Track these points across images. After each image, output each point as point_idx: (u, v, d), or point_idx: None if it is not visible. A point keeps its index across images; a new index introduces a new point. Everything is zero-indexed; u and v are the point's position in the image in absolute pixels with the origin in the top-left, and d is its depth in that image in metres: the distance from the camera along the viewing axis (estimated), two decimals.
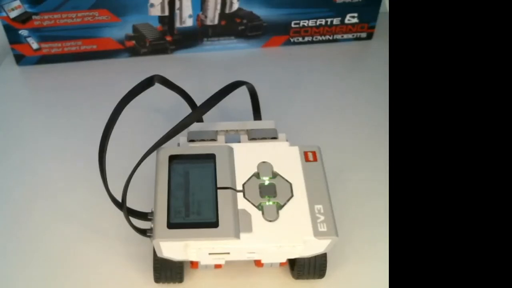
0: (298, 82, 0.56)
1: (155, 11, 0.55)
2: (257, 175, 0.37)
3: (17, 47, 0.56)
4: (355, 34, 0.60)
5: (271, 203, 0.35)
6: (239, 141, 0.39)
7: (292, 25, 0.58)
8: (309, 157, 0.38)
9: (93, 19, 0.54)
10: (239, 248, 0.34)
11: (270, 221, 0.35)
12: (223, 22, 0.57)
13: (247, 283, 0.40)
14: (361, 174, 0.47)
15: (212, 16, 0.56)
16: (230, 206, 0.35)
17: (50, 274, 0.41)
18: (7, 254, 0.42)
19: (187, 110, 0.45)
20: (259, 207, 0.35)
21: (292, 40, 0.60)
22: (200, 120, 0.43)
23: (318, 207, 0.35)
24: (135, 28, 0.56)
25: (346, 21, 0.59)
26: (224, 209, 0.34)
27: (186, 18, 0.56)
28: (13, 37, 0.55)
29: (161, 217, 0.34)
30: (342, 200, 0.44)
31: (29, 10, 0.53)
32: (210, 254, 0.35)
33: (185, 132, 0.38)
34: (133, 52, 0.58)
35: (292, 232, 0.34)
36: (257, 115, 0.45)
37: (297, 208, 0.35)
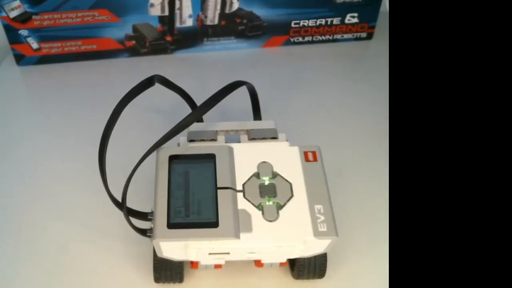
0: (298, 82, 0.56)
1: (155, 11, 0.55)
2: (257, 175, 0.37)
3: (17, 47, 0.56)
4: (355, 34, 0.60)
5: (271, 203, 0.35)
6: (239, 141, 0.39)
7: (292, 25, 0.58)
8: (309, 157, 0.38)
9: (93, 19, 0.54)
10: (239, 248, 0.34)
11: (270, 221, 0.35)
12: (223, 22, 0.57)
13: (247, 283, 0.40)
14: (361, 174, 0.47)
15: (212, 16, 0.56)
16: (230, 206, 0.35)
17: (50, 274, 0.41)
18: (7, 254, 0.42)
19: (187, 110, 0.45)
20: (259, 207, 0.35)
21: (292, 40, 0.60)
22: (200, 120, 0.43)
23: (318, 207, 0.35)
24: (135, 28, 0.56)
25: (346, 21, 0.59)
26: (224, 209, 0.34)
27: (186, 18, 0.56)
28: (13, 37, 0.55)
29: (161, 217, 0.34)
30: (342, 200, 0.44)
31: (29, 10, 0.53)
32: (210, 254, 0.35)
33: (185, 132, 0.38)
34: (133, 52, 0.58)
35: (292, 232, 0.34)
36: (257, 115, 0.45)
37: (297, 208, 0.35)
